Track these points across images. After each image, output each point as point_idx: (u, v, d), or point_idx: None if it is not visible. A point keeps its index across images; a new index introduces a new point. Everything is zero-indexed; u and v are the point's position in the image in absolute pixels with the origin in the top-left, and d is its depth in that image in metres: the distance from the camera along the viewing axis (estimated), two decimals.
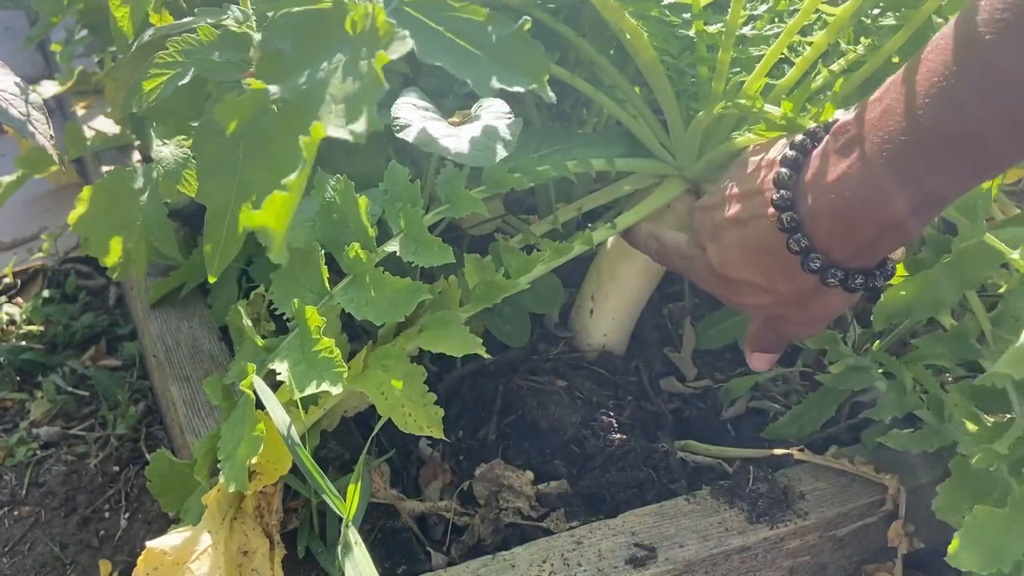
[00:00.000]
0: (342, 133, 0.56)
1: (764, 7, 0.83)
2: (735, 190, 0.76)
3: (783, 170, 0.70)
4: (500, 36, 0.68)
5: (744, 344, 0.85)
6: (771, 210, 0.70)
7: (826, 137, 0.69)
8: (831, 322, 0.82)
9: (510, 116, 0.76)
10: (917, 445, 0.83)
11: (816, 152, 0.69)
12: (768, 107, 0.79)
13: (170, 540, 0.67)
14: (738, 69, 0.84)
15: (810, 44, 0.80)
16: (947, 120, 0.58)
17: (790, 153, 0.70)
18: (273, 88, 0.63)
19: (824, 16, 0.80)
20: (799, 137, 0.71)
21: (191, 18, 0.83)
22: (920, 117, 0.59)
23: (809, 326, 0.78)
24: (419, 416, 0.74)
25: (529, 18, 0.69)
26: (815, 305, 0.74)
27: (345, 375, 0.66)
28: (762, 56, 0.81)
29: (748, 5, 0.83)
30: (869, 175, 0.63)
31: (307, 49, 0.65)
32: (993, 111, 0.56)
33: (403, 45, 0.58)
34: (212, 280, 0.74)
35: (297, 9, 0.67)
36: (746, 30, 0.83)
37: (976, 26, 0.56)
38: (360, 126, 0.55)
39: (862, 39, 0.82)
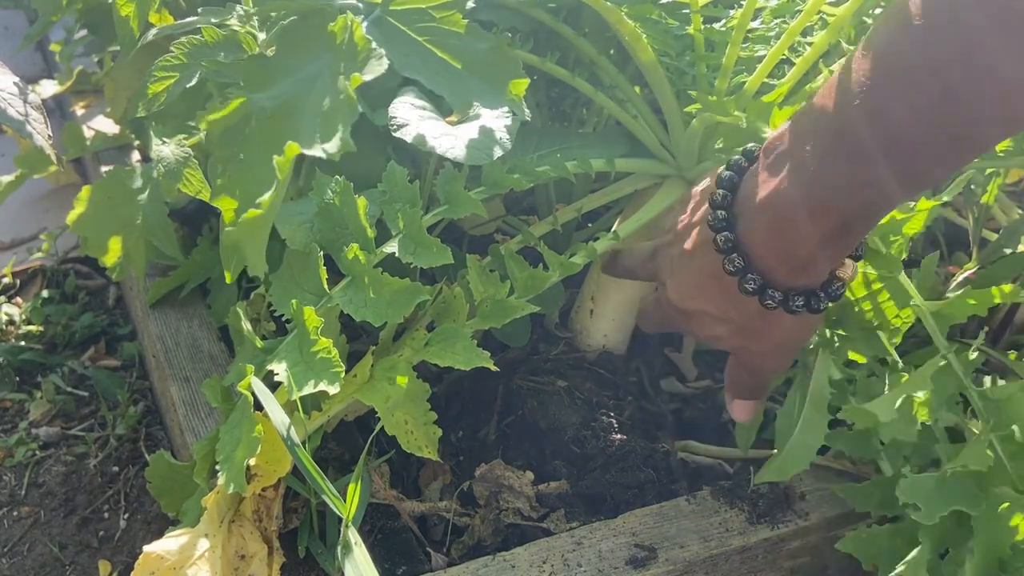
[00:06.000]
0: (316, 151, 0.56)
1: (774, 2, 0.83)
2: (684, 222, 0.74)
3: (719, 191, 0.68)
4: (479, 50, 0.67)
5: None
6: (709, 232, 0.68)
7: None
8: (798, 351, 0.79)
9: (508, 115, 0.76)
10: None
11: (750, 170, 0.68)
12: (737, 113, 0.78)
13: (167, 544, 0.67)
14: (740, 68, 0.84)
15: (811, 44, 0.80)
16: (872, 132, 0.56)
17: (726, 173, 0.69)
18: (256, 97, 0.63)
19: (825, 16, 0.80)
20: (735, 157, 0.70)
21: (194, 18, 0.83)
22: (846, 130, 0.58)
23: (774, 357, 0.76)
24: (419, 435, 0.75)
25: (509, 34, 0.69)
26: (770, 331, 0.71)
27: (342, 375, 0.66)
28: (763, 56, 0.81)
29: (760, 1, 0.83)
30: (798, 190, 0.61)
31: (290, 57, 0.65)
32: (922, 123, 0.55)
33: (379, 65, 0.58)
34: (229, 280, 0.74)
35: (282, 15, 0.67)
36: (752, 24, 0.83)
37: (893, 39, 0.55)
38: (333, 146, 0.55)
39: (864, 39, 0.81)
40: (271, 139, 0.61)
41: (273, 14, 0.74)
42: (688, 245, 0.73)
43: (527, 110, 0.68)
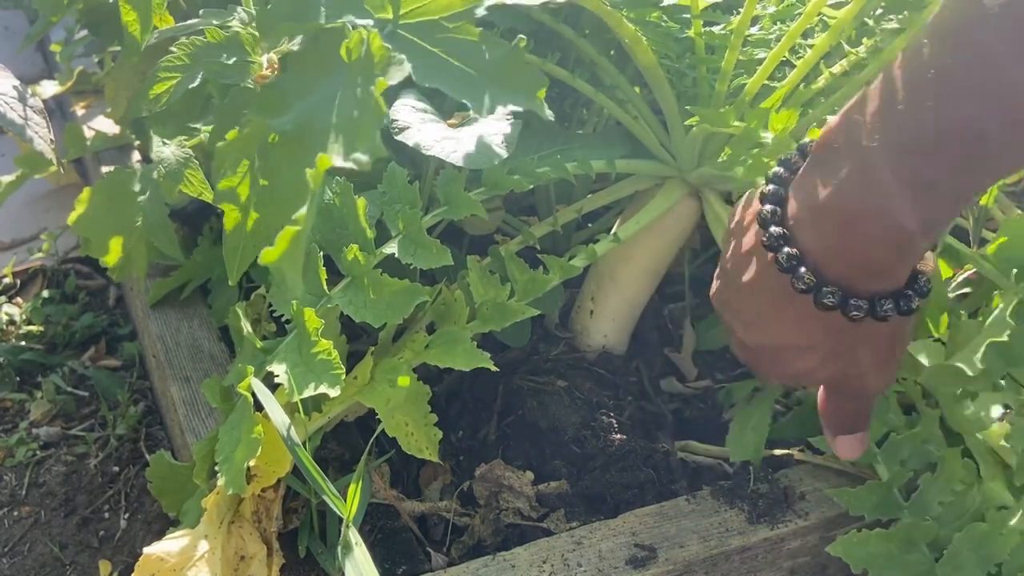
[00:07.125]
0: (347, 163, 0.56)
1: (772, 8, 0.83)
2: (731, 262, 0.68)
3: (766, 207, 0.62)
4: (495, 56, 0.67)
5: (823, 431, 0.75)
6: (769, 255, 0.62)
7: (806, 159, 0.61)
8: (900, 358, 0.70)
9: (509, 118, 0.76)
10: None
11: (798, 178, 0.62)
12: (737, 123, 0.77)
13: (168, 545, 0.67)
14: (740, 71, 0.84)
15: (811, 46, 0.80)
16: (953, 116, 0.51)
17: (770, 188, 0.63)
18: (275, 122, 0.63)
19: (826, 18, 0.80)
20: (773, 169, 0.64)
21: (196, 20, 0.83)
22: (923, 116, 0.52)
23: (875, 374, 0.67)
24: (420, 437, 0.75)
25: (524, 37, 0.69)
26: (864, 346, 0.64)
27: (343, 377, 0.66)
28: (763, 59, 0.81)
29: (758, 5, 0.83)
30: (871, 187, 0.55)
31: (302, 80, 0.65)
32: (993, 107, 0.50)
33: (400, 70, 0.58)
34: (232, 282, 0.74)
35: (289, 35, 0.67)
36: (751, 30, 0.83)
37: (966, 19, 0.50)
38: (364, 155, 0.55)
39: (864, 40, 0.82)
40: (295, 162, 0.61)
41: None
42: (746, 279, 0.66)
43: (548, 111, 0.68)
